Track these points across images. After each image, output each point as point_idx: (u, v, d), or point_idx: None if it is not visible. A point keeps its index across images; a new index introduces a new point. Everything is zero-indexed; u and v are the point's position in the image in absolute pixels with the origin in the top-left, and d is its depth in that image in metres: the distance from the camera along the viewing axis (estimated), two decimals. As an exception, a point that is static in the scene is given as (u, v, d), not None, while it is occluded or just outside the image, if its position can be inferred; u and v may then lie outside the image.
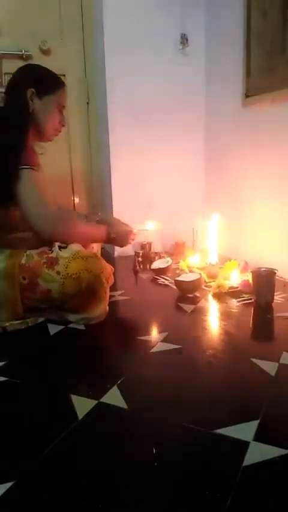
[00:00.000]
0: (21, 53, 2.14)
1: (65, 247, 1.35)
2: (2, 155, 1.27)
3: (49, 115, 1.42)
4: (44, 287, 1.30)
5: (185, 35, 2.28)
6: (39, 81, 1.40)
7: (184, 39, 2.28)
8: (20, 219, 1.37)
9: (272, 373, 1.06)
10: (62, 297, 1.32)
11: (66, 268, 1.29)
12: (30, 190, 1.29)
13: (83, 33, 2.31)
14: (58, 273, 1.29)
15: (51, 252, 1.33)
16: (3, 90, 1.44)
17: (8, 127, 1.32)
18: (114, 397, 0.96)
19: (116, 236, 1.52)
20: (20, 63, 2.14)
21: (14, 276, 1.30)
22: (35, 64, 1.52)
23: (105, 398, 0.96)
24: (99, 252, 1.64)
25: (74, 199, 2.49)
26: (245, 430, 0.83)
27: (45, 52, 2.22)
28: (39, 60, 2.19)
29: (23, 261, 1.31)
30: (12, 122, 1.33)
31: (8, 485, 0.71)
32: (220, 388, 1.01)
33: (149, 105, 2.30)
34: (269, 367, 1.08)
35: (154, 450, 0.79)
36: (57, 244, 1.34)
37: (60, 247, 1.34)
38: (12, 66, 2.13)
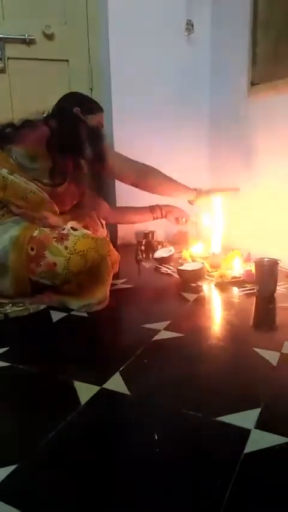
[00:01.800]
0: (24, 37, 2.11)
1: (75, 230, 1.39)
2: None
3: None
4: (49, 260, 1.33)
5: (190, 21, 2.24)
6: (83, 103, 1.74)
7: (189, 26, 2.24)
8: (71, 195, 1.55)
9: (274, 362, 1.06)
10: (66, 274, 1.34)
11: (75, 244, 1.34)
12: (115, 153, 1.73)
13: (87, 18, 2.27)
14: (66, 247, 1.33)
15: (63, 230, 1.38)
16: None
17: (72, 124, 1.53)
18: (116, 383, 0.97)
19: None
20: (24, 48, 2.14)
21: (23, 245, 1.34)
22: (76, 91, 1.86)
23: (107, 385, 0.96)
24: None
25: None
26: (246, 418, 0.84)
27: (49, 37, 2.18)
28: (42, 45, 2.16)
29: (35, 234, 1.36)
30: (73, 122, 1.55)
31: (11, 468, 0.72)
32: (222, 377, 1.02)
33: (153, 91, 2.27)
34: (271, 356, 1.09)
35: (156, 436, 0.80)
36: (69, 225, 1.41)
37: (72, 229, 1.39)
38: (15, 51, 2.12)
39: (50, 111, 1.62)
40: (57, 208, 1.50)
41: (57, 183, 1.47)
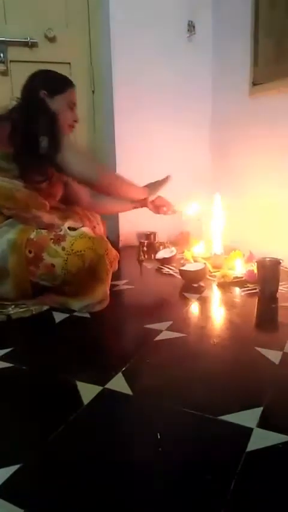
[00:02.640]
0: (26, 40, 2.13)
1: (74, 230, 1.38)
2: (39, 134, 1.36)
3: (62, 112, 1.50)
4: (48, 261, 1.33)
5: (192, 22, 2.25)
6: (50, 83, 1.53)
7: (191, 27, 2.25)
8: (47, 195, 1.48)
9: (276, 361, 1.06)
10: (64, 274, 1.34)
11: (72, 245, 1.34)
12: (73, 150, 1.44)
13: (88, 20, 2.28)
14: (63, 248, 1.33)
15: (61, 231, 1.37)
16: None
17: (34, 116, 1.41)
18: (119, 383, 0.97)
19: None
20: (26, 51, 2.15)
21: (21, 249, 1.34)
22: (44, 69, 1.63)
23: (110, 385, 0.96)
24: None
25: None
26: (248, 417, 0.84)
27: (51, 40, 2.20)
28: (44, 47, 2.18)
29: (32, 236, 1.36)
30: (35, 114, 1.42)
31: (14, 468, 0.72)
32: (224, 376, 1.02)
33: (155, 93, 2.28)
34: (273, 355, 1.09)
35: (158, 436, 0.80)
36: (67, 225, 1.39)
37: (69, 229, 1.38)
38: (17, 54, 2.14)
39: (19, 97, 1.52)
40: (46, 202, 1.48)
41: (38, 180, 1.42)
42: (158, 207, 1.81)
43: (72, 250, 1.33)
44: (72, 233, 1.37)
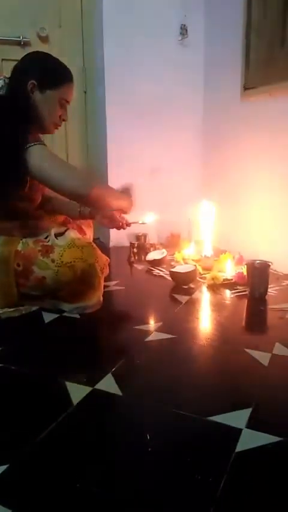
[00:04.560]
0: (19, 39, 2.12)
1: (61, 235, 1.35)
2: (7, 144, 1.23)
3: (49, 110, 1.36)
4: (38, 274, 1.30)
5: (184, 25, 2.26)
6: (43, 73, 1.33)
7: (184, 30, 2.26)
8: (21, 208, 1.38)
9: (265, 363, 1.07)
10: (56, 284, 1.32)
11: (61, 256, 1.30)
12: (50, 160, 1.26)
13: (82, 21, 2.28)
14: (53, 260, 1.30)
15: (47, 241, 1.34)
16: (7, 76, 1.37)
17: (8, 118, 1.26)
18: (108, 384, 0.97)
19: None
20: (18, 50, 2.14)
21: (9, 262, 1.30)
22: (43, 53, 1.41)
23: (99, 385, 0.96)
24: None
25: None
26: (237, 418, 0.85)
27: (44, 39, 2.19)
28: (37, 47, 2.16)
29: (19, 248, 1.32)
30: (11, 113, 1.28)
31: (2, 468, 0.71)
32: (214, 377, 1.03)
33: (147, 95, 2.28)
34: (262, 357, 1.10)
35: (148, 436, 0.80)
36: (53, 232, 1.35)
37: (56, 236, 1.34)
38: (10, 52, 2.12)
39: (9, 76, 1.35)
40: (29, 206, 1.43)
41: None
42: (113, 222, 1.58)
43: (62, 262, 1.29)
44: (60, 242, 1.33)
